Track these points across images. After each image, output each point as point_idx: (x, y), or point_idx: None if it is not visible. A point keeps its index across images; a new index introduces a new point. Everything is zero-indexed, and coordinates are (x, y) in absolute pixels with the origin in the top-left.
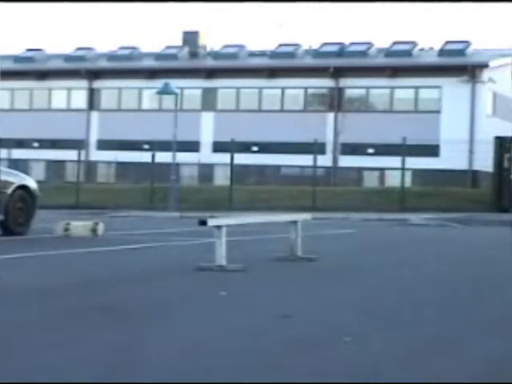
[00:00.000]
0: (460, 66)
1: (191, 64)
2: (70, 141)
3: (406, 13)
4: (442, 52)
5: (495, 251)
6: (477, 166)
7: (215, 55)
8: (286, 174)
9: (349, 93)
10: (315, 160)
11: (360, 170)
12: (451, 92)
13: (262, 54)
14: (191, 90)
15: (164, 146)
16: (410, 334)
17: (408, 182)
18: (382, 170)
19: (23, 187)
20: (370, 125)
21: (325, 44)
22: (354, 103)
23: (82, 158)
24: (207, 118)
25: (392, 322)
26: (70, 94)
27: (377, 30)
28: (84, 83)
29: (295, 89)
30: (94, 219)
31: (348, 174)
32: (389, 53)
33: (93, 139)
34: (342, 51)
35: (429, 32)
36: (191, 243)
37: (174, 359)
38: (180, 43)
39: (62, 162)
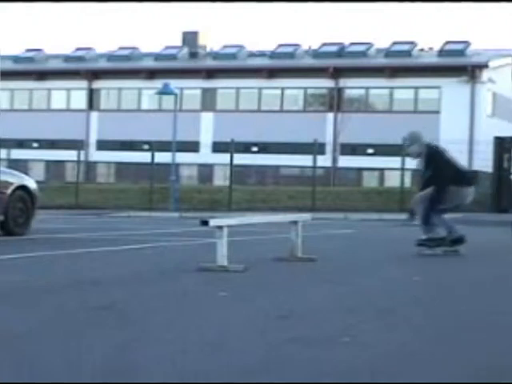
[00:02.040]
0: (460, 66)
1: (191, 64)
2: (69, 141)
3: (406, 13)
4: (442, 52)
5: (495, 251)
6: (476, 166)
7: (215, 55)
8: (285, 174)
9: (348, 93)
10: (315, 160)
11: (359, 170)
12: (451, 92)
13: (262, 54)
14: (191, 90)
15: (164, 146)
16: (410, 334)
17: (408, 183)
18: (381, 170)
19: (23, 187)
20: (369, 125)
21: (324, 44)
22: (354, 103)
23: (82, 158)
24: (207, 119)
25: (392, 323)
26: (70, 95)
27: (376, 30)
28: (83, 83)
29: (295, 89)
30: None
31: (348, 175)
32: (388, 53)
33: (92, 139)
34: (341, 51)
35: (429, 32)
36: (191, 243)
37: (174, 359)
38: (179, 43)
39: (62, 162)
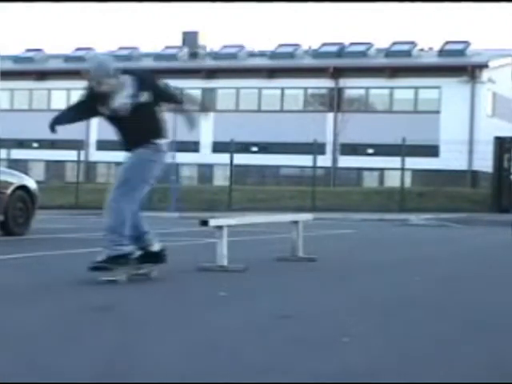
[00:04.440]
0: (460, 66)
1: (191, 64)
2: (69, 141)
3: (406, 13)
4: (442, 52)
5: (495, 251)
6: (476, 167)
7: (215, 55)
8: (285, 174)
9: (348, 93)
10: (315, 160)
11: (360, 170)
12: (451, 92)
13: (262, 54)
14: (191, 90)
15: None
16: (409, 334)
17: (408, 183)
18: (381, 170)
19: (23, 187)
20: (369, 125)
21: (324, 44)
22: (354, 103)
23: (82, 158)
24: (207, 119)
25: (391, 323)
26: (70, 95)
27: (377, 30)
28: (83, 83)
29: (295, 89)
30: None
31: (348, 175)
32: (388, 53)
33: (92, 139)
34: (341, 51)
35: (429, 32)
36: (191, 243)
37: (174, 359)
38: (179, 43)
39: (62, 162)
